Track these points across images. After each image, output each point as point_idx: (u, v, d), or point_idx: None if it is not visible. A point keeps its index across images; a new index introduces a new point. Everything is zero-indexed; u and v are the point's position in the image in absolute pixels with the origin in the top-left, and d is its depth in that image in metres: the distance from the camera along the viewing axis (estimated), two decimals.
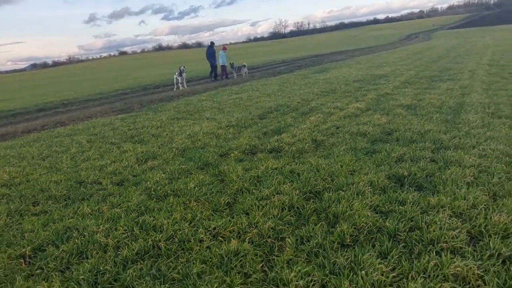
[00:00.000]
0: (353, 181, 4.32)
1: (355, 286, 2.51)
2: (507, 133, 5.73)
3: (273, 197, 4.09)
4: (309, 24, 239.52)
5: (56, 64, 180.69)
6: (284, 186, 4.37)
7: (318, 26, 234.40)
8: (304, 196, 4.11)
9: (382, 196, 3.91)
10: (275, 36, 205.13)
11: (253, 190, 4.38)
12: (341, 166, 4.86)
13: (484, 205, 3.48)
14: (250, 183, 4.63)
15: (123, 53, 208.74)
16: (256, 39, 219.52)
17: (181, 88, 18.21)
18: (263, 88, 14.68)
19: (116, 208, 4.20)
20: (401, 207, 3.60)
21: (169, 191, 4.57)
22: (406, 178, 4.35)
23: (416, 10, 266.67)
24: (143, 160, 6.07)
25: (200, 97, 13.73)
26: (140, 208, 4.14)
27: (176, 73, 18.70)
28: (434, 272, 2.60)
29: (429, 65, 18.67)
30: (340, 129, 7.03)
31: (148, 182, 4.91)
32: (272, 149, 6.11)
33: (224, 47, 22.70)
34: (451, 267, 2.61)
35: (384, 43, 59.40)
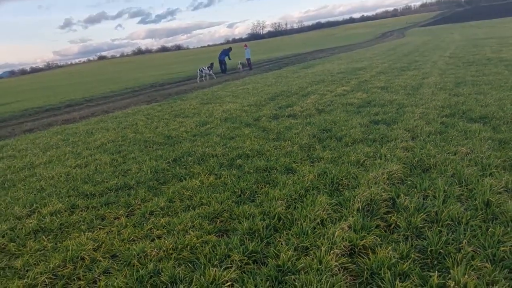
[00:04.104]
0: (348, 123, 7.12)
1: (356, 155, 5.27)
2: (445, 97, 8.65)
3: (302, 133, 6.85)
4: (286, 24, 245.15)
5: (34, 70, 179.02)
6: (307, 128, 7.15)
7: (295, 26, 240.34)
8: (320, 131, 6.89)
9: (366, 128, 6.72)
10: (253, 37, 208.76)
11: (287, 132, 7.13)
12: (340, 118, 7.67)
13: (422, 126, 6.34)
14: (284, 129, 7.38)
15: (102, 58, 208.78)
16: (234, 41, 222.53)
17: (208, 79, 22.83)
18: (262, 81, 17.44)
19: (207, 143, 6.89)
20: (376, 130, 6.43)
21: (233, 135, 7.28)
22: (380, 121, 7.17)
23: (391, 9, 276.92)
24: (201, 125, 8.73)
25: (212, 89, 16.42)
26: (222, 142, 6.85)
27: (205, 67, 23.28)
28: (393, 147, 5.41)
29: (400, 58, 21.79)
30: (334, 102, 9.84)
31: (216, 133, 7.60)
32: (289, 115, 8.86)
33: (246, 45, 29.33)
34: (401, 145, 5.44)
35: (361, 41, 63.07)
